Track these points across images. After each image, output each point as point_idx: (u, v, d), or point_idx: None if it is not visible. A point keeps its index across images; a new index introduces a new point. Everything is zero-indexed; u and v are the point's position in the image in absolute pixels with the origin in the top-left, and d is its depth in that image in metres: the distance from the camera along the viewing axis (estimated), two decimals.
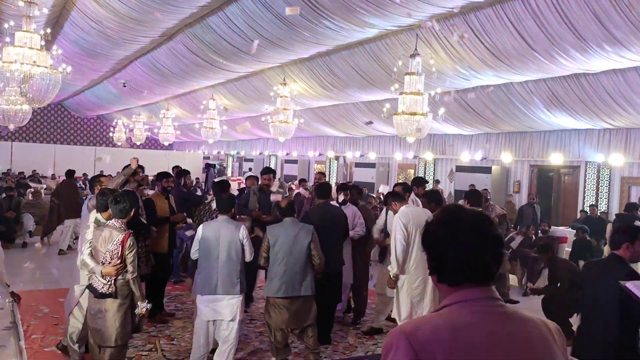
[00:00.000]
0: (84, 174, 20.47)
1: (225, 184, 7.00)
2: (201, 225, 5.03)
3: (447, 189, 16.35)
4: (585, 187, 13.66)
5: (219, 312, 4.79)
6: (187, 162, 24.18)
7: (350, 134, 20.15)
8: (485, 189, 11.09)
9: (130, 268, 4.19)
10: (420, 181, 7.42)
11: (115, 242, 4.17)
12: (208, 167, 6.79)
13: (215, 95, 18.19)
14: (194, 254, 4.98)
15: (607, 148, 12.66)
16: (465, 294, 1.41)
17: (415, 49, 9.71)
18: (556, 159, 13.66)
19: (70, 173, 11.66)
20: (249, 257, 4.93)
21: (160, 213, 6.41)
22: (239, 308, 4.85)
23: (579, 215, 12.31)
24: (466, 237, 1.43)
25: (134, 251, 4.19)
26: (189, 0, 10.87)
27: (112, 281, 4.18)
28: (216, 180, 6.72)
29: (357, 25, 10.29)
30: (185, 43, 13.89)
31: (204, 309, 4.81)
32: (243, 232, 4.88)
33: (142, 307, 4.27)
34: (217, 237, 4.81)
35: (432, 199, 6.16)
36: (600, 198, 13.07)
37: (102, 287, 4.20)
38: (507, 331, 1.38)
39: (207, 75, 16.29)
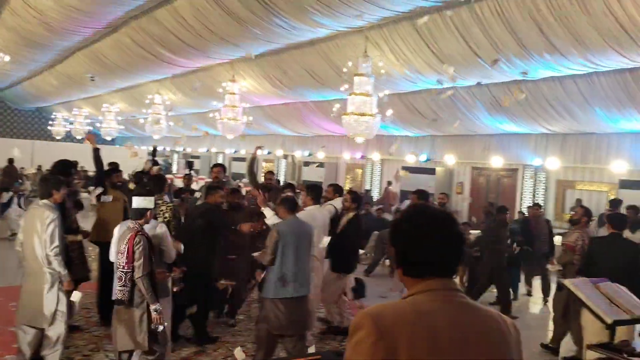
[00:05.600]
0: (22, 168, 19.68)
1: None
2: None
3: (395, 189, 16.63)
4: (522, 189, 14.21)
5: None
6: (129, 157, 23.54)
7: (299, 132, 20.14)
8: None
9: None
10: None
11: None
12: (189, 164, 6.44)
13: (162, 90, 17.84)
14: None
15: (544, 152, 13.19)
16: (429, 284, 1.50)
17: (365, 50, 9.86)
18: (496, 161, 14.12)
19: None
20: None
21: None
22: None
23: (516, 217, 12.78)
24: (433, 234, 1.52)
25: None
26: None
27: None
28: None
29: (308, 24, 10.34)
30: (131, 35, 13.56)
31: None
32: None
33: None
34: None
35: (309, 192, 6.23)
36: (537, 200, 13.59)
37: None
38: (467, 320, 1.47)
39: (154, 69, 15.96)
